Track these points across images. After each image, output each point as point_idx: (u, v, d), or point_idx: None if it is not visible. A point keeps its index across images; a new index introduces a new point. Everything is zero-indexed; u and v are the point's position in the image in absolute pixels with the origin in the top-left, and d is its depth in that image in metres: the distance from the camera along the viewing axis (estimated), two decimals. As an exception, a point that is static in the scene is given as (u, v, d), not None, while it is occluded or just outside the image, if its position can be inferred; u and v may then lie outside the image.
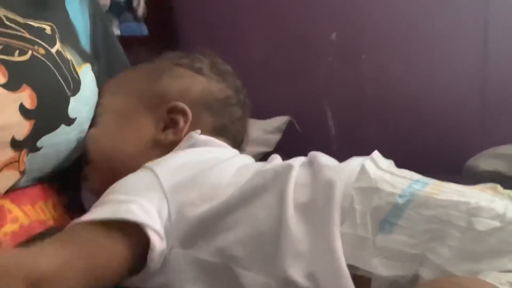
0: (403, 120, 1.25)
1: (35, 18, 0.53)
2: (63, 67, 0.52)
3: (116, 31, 1.32)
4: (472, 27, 1.15)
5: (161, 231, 0.40)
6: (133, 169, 0.46)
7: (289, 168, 0.44)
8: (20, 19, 0.52)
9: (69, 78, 0.53)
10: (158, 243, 0.40)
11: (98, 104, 0.56)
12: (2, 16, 0.50)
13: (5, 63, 0.48)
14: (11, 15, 0.51)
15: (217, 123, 0.55)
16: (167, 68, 0.56)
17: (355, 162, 0.45)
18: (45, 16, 0.55)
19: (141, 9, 1.39)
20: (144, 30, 1.42)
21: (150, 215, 0.40)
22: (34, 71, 0.50)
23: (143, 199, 0.41)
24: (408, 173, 0.44)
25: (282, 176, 0.43)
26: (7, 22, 0.50)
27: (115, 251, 0.39)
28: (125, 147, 0.51)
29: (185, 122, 0.52)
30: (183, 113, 0.52)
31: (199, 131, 0.51)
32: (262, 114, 1.32)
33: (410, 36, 1.22)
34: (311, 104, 1.34)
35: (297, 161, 0.47)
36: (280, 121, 1.28)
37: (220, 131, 0.55)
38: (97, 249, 0.39)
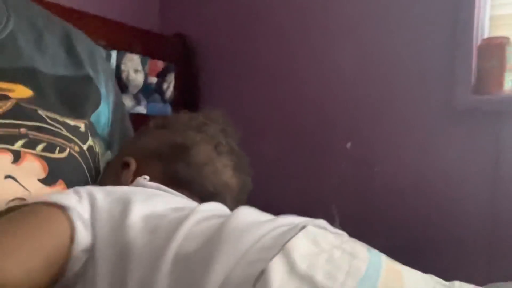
0: (410, 238, 1.26)
1: (71, 116, 0.60)
2: (90, 162, 0.60)
3: (143, 110, 1.38)
4: (482, 160, 1.19)
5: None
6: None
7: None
8: (59, 117, 0.58)
9: (93, 171, 0.60)
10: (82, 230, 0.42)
11: None
12: (44, 116, 0.56)
13: (48, 160, 0.53)
14: (51, 114, 0.57)
15: (168, 169, 0.58)
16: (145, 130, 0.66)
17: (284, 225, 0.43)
18: (79, 115, 0.61)
19: (169, 92, 1.46)
20: (168, 110, 1.50)
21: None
22: (70, 168, 0.56)
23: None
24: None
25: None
26: (49, 121, 0.56)
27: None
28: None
29: (130, 168, 0.59)
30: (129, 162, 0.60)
31: (147, 177, 0.56)
32: (272, 211, 1.34)
33: (422, 158, 1.27)
34: (320, 207, 1.37)
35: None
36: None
37: (172, 179, 0.57)
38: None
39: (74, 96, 0.63)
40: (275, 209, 1.31)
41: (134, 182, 0.56)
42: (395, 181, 1.29)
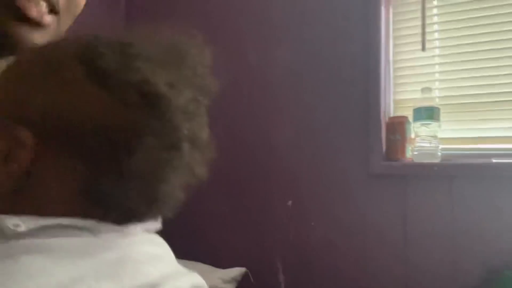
0: (344, 285, 1.49)
1: None
2: None
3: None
4: (394, 214, 1.47)
5: None
6: None
7: None
8: None
9: None
10: None
11: None
12: None
13: None
14: None
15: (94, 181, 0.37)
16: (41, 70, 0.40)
17: None
18: None
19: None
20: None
21: None
22: None
23: None
24: None
25: None
26: None
27: None
28: None
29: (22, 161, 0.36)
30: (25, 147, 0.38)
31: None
32: (221, 264, 1.54)
33: (347, 214, 1.52)
34: (265, 258, 1.58)
35: None
36: (237, 272, 1.48)
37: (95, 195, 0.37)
38: None
39: None
40: (225, 262, 1.52)
41: None
42: (329, 233, 1.53)
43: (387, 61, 1.54)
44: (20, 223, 0.32)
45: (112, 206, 0.36)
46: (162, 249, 0.41)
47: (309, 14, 1.61)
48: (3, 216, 0.33)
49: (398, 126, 1.48)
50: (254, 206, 1.64)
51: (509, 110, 1.42)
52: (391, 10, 1.56)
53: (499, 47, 1.43)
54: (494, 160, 1.39)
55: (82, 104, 0.35)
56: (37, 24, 0.55)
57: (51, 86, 0.36)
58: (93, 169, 0.35)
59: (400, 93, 1.57)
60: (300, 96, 1.61)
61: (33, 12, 0.54)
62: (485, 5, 1.45)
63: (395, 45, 1.57)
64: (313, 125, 1.58)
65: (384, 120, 1.50)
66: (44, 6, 0.56)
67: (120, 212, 0.37)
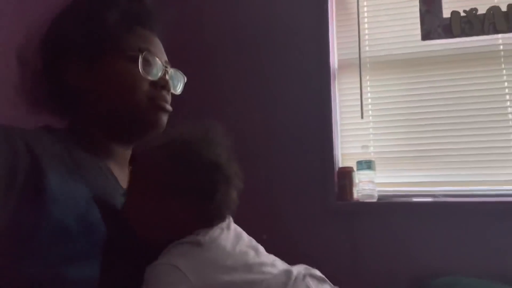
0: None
1: None
2: None
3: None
4: (344, 244, 1.88)
5: None
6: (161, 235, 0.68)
7: None
8: None
9: None
10: None
11: None
12: None
13: None
14: None
15: (205, 207, 0.70)
16: (172, 165, 0.70)
17: None
18: None
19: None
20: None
21: None
22: None
23: None
24: None
25: None
26: None
27: None
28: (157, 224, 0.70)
29: (192, 206, 0.70)
30: (193, 204, 0.70)
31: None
32: None
33: (309, 244, 1.91)
34: None
35: None
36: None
37: (207, 214, 0.70)
38: None
39: None
40: None
41: (180, 245, 0.65)
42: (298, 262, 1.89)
43: (336, 124, 2.02)
44: (202, 240, 0.65)
45: (212, 223, 0.69)
46: None
47: (278, 89, 2.06)
48: (193, 238, 0.65)
49: (346, 174, 1.93)
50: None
51: (425, 162, 1.94)
52: (336, 87, 2.06)
53: (415, 117, 1.97)
54: (413, 199, 1.88)
55: (198, 178, 0.69)
56: (166, 111, 0.78)
57: (183, 170, 0.69)
58: (202, 204, 0.69)
59: (346, 148, 2.04)
60: (270, 151, 2.02)
61: (168, 103, 0.78)
62: (408, 82, 2.00)
63: (341, 112, 2.06)
64: (282, 172, 1.99)
65: (336, 169, 1.95)
66: (169, 97, 0.80)
67: (223, 215, 0.72)
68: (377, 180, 1.90)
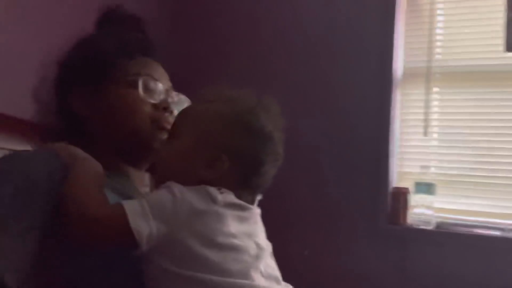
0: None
1: None
2: None
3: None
4: (394, 268, 1.73)
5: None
6: (180, 182, 0.63)
7: None
8: None
9: None
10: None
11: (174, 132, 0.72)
12: None
13: None
14: None
15: (246, 179, 0.67)
16: (230, 123, 0.68)
17: None
18: None
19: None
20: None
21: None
22: None
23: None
24: None
25: None
26: None
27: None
28: (180, 171, 0.67)
29: (220, 169, 0.65)
30: (222, 163, 0.66)
31: (224, 191, 0.64)
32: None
33: (357, 264, 1.78)
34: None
35: None
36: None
37: (245, 185, 0.67)
38: None
39: None
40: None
41: (205, 189, 0.62)
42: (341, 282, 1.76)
43: (394, 139, 1.84)
44: (220, 198, 0.62)
45: (254, 190, 0.69)
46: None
47: (332, 97, 1.90)
48: (217, 193, 0.62)
49: (401, 195, 1.76)
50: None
51: (493, 190, 1.72)
52: (398, 97, 1.87)
53: (486, 138, 1.75)
54: (477, 231, 1.68)
55: (243, 143, 0.67)
56: (166, 130, 0.77)
57: (230, 133, 0.67)
58: (248, 173, 0.67)
59: (403, 166, 1.86)
60: (320, 162, 1.89)
61: (170, 125, 0.77)
62: (482, 98, 1.77)
63: (402, 127, 1.87)
64: (331, 186, 1.86)
65: (390, 190, 1.79)
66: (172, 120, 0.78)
67: (254, 195, 0.69)
68: (436, 205, 1.72)
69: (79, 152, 0.69)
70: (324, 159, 1.89)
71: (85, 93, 0.78)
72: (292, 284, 0.70)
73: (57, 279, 0.63)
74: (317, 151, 1.89)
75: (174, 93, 0.82)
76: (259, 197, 0.70)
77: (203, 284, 0.58)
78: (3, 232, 0.60)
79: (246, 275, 0.60)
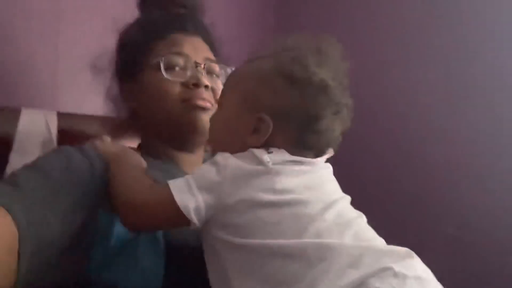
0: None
1: None
2: None
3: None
4: None
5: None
6: (227, 148, 0.61)
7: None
8: None
9: None
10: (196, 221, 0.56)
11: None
12: None
13: None
14: None
15: (300, 137, 0.60)
16: (271, 79, 0.61)
17: None
18: None
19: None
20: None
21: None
22: None
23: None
24: None
25: None
26: None
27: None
28: (227, 142, 0.64)
29: (265, 134, 0.60)
30: (267, 125, 0.60)
31: (273, 151, 0.59)
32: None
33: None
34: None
35: None
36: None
37: (301, 145, 0.60)
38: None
39: None
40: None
41: (251, 153, 0.58)
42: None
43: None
44: (267, 158, 0.57)
45: (313, 148, 0.62)
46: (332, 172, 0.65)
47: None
48: (264, 154, 0.58)
49: None
50: (410, 232, 1.37)
51: None
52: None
53: None
54: None
55: (286, 99, 0.60)
56: (203, 108, 0.76)
57: (271, 90, 0.61)
58: (302, 131, 0.60)
59: None
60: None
61: (204, 100, 0.76)
62: None
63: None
64: (478, 146, 1.35)
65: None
66: (210, 96, 0.77)
67: (316, 151, 0.62)
68: None
69: (120, 147, 0.73)
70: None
71: (132, 85, 0.81)
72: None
73: (78, 268, 0.63)
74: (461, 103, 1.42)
75: (213, 65, 0.80)
76: (329, 155, 0.64)
77: (263, 250, 0.53)
78: (52, 197, 0.61)
79: (307, 230, 0.53)
